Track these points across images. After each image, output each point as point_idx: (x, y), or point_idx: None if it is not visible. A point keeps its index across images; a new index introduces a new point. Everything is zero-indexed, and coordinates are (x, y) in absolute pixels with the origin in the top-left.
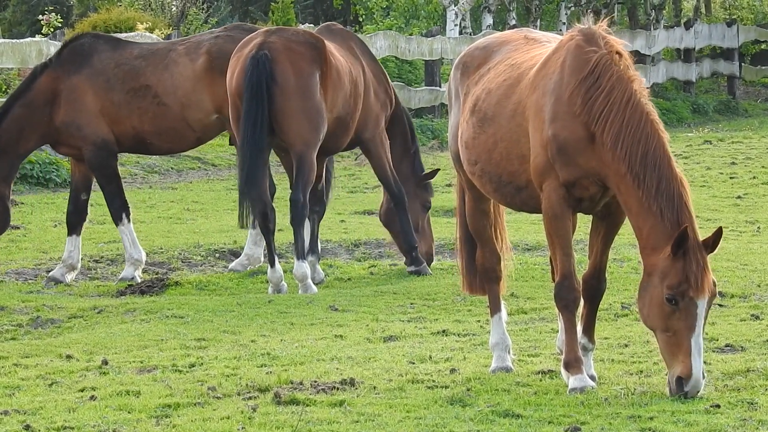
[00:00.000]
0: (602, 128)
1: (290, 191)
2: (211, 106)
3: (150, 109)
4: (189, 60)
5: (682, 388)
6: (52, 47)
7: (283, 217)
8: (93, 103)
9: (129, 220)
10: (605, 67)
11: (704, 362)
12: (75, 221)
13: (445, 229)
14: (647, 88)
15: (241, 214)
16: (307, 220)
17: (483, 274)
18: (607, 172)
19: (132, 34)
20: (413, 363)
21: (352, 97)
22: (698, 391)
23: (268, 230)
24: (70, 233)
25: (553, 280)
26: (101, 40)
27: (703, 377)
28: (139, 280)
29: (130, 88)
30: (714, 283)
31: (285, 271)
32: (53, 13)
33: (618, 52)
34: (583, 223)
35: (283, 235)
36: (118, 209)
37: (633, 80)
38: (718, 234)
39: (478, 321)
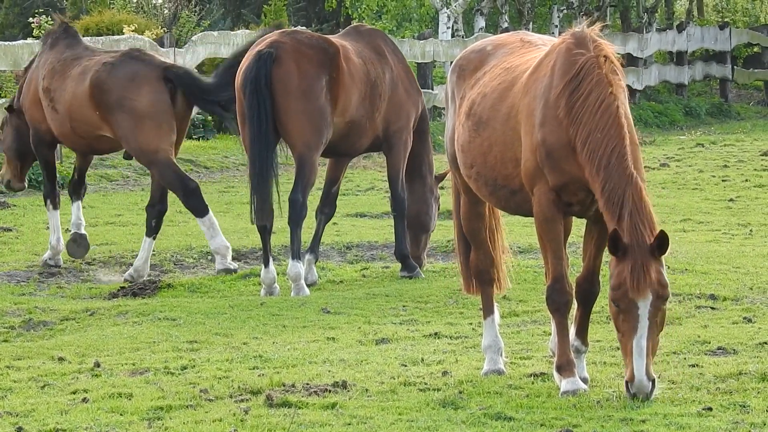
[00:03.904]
0: (576, 132)
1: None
2: (98, 123)
3: (48, 109)
4: (80, 79)
5: (629, 391)
6: None
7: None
8: (33, 93)
9: (54, 207)
10: (588, 70)
11: (695, 363)
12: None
13: (436, 232)
14: (639, 90)
15: (252, 211)
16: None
17: (477, 276)
18: (586, 177)
19: (124, 36)
20: (405, 365)
21: (367, 99)
22: (646, 394)
23: (264, 229)
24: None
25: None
26: (65, 35)
27: (649, 380)
28: (59, 264)
29: (44, 88)
30: (662, 284)
31: (278, 273)
32: (45, 16)
33: (605, 56)
34: (577, 226)
35: (276, 238)
36: (45, 196)
37: (612, 84)
38: (660, 237)
39: (470, 324)
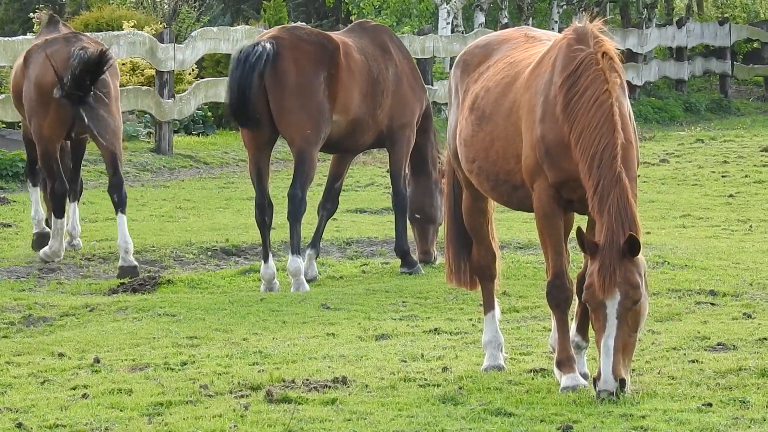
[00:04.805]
0: (570, 128)
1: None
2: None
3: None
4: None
5: (596, 389)
6: None
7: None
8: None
9: (34, 185)
10: (586, 66)
11: (695, 359)
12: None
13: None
14: (639, 86)
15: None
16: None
17: (478, 271)
18: (579, 174)
19: (124, 32)
20: (405, 361)
21: (369, 95)
22: (610, 393)
23: (264, 224)
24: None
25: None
26: (48, 23)
27: (617, 379)
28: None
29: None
30: (633, 285)
31: (277, 269)
32: (44, 11)
33: (605, 52)
34: (579, 223)
35: (276, 233)
36: (26, 176)
37: (608, 81)
38: (628, 240)
39: (470, 319)
